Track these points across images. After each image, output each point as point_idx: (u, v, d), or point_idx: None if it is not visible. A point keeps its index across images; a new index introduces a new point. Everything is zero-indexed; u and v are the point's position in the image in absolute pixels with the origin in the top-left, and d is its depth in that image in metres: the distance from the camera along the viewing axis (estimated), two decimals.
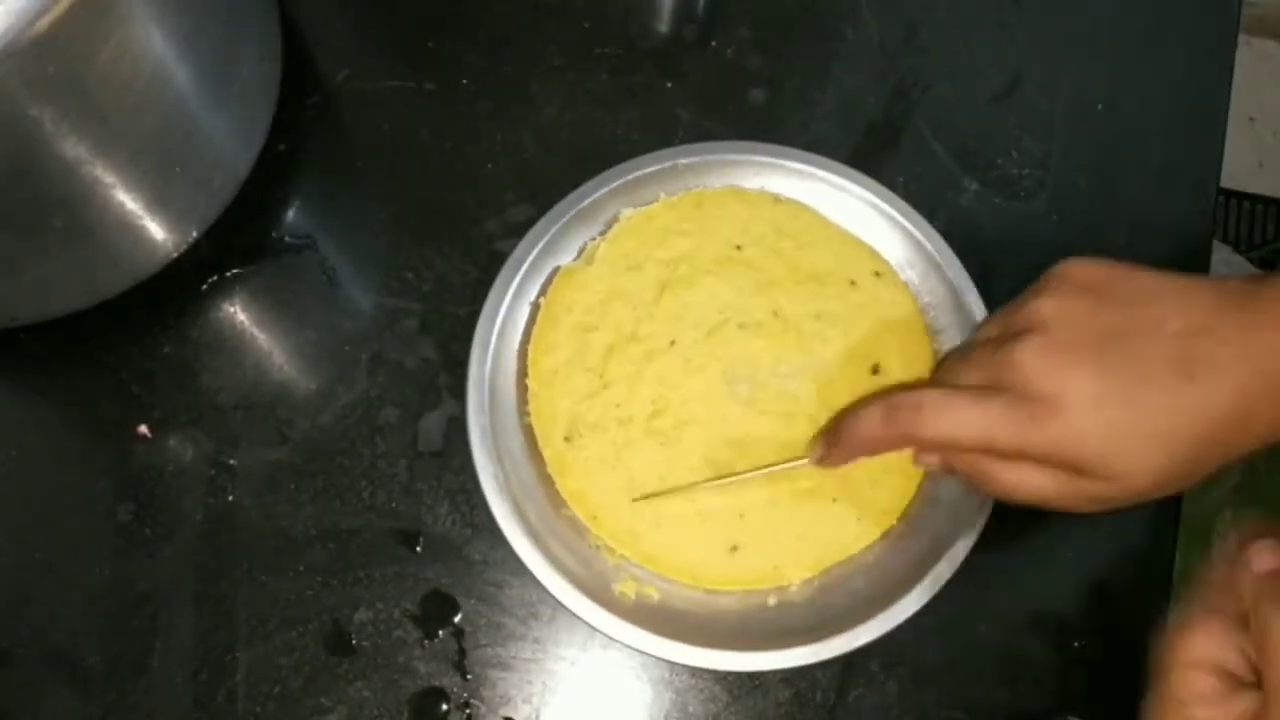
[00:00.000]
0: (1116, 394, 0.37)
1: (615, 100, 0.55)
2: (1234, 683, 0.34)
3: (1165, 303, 0.38)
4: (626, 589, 0.45)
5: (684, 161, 0.51)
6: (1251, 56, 1.48)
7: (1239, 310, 0.37)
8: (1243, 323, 0.37)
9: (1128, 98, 0.57)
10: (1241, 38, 0.59)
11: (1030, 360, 0.38)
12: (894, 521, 0.47)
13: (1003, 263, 0.53)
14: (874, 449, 0.43)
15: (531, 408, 0.48)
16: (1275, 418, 0.37)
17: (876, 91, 0.57)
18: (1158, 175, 0.56)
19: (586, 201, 0.50)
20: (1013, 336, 0.39)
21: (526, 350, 0.48)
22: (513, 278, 0.49)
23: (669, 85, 0.56)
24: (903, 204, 0.51)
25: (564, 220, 0.50)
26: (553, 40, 0.56)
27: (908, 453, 0.45)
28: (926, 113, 0.56)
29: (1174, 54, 0.58)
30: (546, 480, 0.47)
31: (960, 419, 0.39)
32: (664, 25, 0.58)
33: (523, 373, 0.48)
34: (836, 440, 0.44)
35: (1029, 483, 0.40)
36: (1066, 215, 0.55)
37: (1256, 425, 0.37)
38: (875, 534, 0.47)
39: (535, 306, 0.49)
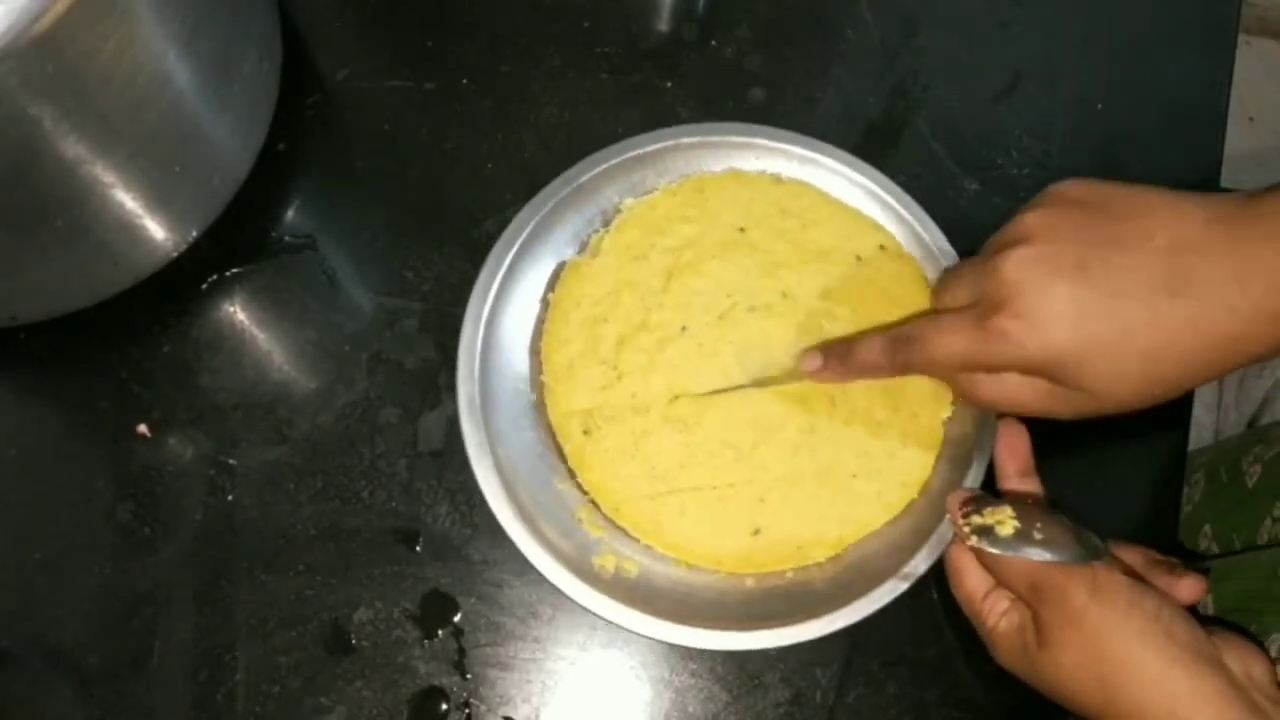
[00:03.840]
0: (1096, 307, 0.37)
1: (615, 100, 0.55)
2: (999, 590, 0.42)
3: (1155, 218, 0.38)
4: (606, 562, 0.45)
5: (686, 141, 0.51)
6: (1251, 56, 1.48)
7: (1229, 227, 0.37)
8: (1232, 240, 0.37)
9: (1128, 98, 0.57)
10: (1241, 38, 0.59)
11: (1012, 271, 0.39)
12: (915, 495, 0.47)
13: None
14: (873, 375, 0.46)
15: (547, 403, 0.48)
16: (1272, 338, 0.37)
17: (876, 91, 0.57)
18: (1158, 175, 0.55)
19: (584, 178, 0.50)
20: (998, 250, 0.40)
21: (539, 348, 0.49)
22: (505, 254, 0.49)
23: (669, 85, 0.56)
24: (900, 193, 0.51)
25: (556, 199, 0.50)
26: (553, 40, 0.56)
27: (926, 423, 0.47)
28: (926, 113, 0.56)
29: (1174, 54, 0.59)
30: (542, 455, 0.47)
31: (946, 344, 0.41)
32: (664, 25, 0.58)
33: (537, 370, 0.48)
34: (840, 361, 0.45)
35: (1011, 394, 0.41)
36: None
37: (1250, 345, 0.37)
38: (897, 509, 0.47)
39: (545, 303, 0.49)
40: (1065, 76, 0.57)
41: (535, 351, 0.49)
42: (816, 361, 0.46)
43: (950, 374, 0.43)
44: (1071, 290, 0.38)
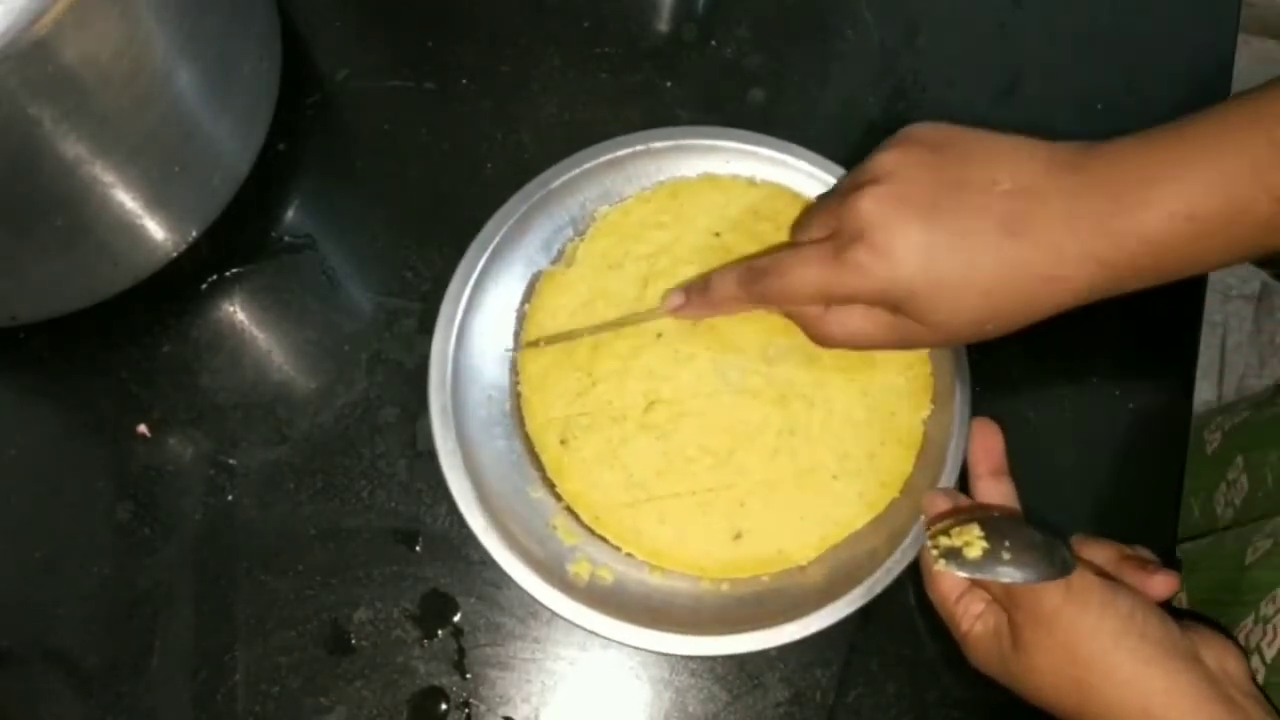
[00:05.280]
0: (943, 244, 0.39)
1: (615, 100, 0.55)
2: (973, 593, 0.44)
3: (1000, 163, 0.40)
4: (580, 570, 0.46)
5: (657, 146, 0.51)
6: (1251, 56, 1.48)
7: (1068, 174, 0.39)
8: (1069, 187, 0.39)
9: (1128, 98, 0.57)
10: (1241, 38, 0.59)
11: (868, 208, 0.40)
12: (896, 494, 0.47)
13: None
14: (732, 309, 0.46)
15: (524, 413, 0.48)
16: (1095, 279, 0.39)
17: (876, 91, 0.57)
18: None
19: (555, 184, 0.50)
20: (856, 187, 0.41)
21: (513, 358, 0.49)
22: (477, 261, 0.49)
23: (669, 85, 0.56)
24: None
25: (528, 205, 0.50)
26: (553, 40, 0.56)
27: (905, 422, 0.47)
28: (926, 113, 0.56)
29: (1174, 54, 0.58)
30: (517, 463, 0.47)
31: (802, 275, 0.42)
32: (664, 25, 0.58)
33: (511, 378, 0.49)
34: (700, 295, 0.46)
35: (854, 327, 0.43)
36: None
37: (1074, 284, 0.40)
38: (878, 509, 0.47)
39: (520, 312, 0.49)
40: (1065, 76, 0.57)
41: (509, 360, 0.49)
42: (679, 299, 0.47)
43: (799, 308, 0.44)
44: (923, 228, 0.39)
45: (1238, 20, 0.59)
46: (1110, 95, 0.57)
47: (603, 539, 0.47)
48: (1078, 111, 0.57)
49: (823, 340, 0.44)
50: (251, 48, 0.49)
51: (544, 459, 0.47)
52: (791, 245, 0.45)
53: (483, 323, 0.49)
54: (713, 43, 0.57)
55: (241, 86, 0.49)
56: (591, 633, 0.44)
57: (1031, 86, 0.57)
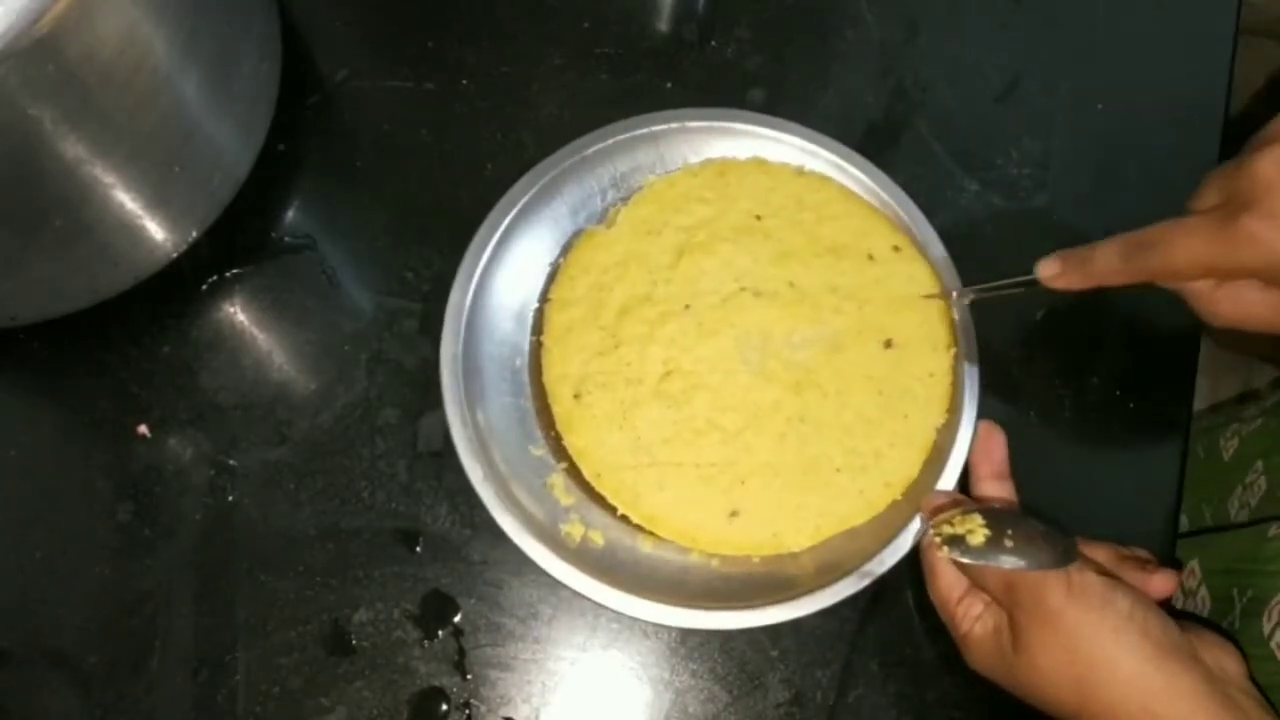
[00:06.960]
0: None
1: (615, 100, 0.55)
2: (974, 594, 0.43)
3: None
4: (573, 530, 0.46)
5: (692, 125, 0.52)
6: (1251, 57, 1.48)
7: None
8: None
9: (1128, 98, 0.57)
10: (1241, 38, 0.59)
11: (1265, 170, 0.36)
12: (898, 496, 0.47)
13: (1002, 263, 0.53)
14: (1110, 281, 0.42)
15: (543, 363, 0.48)
16: None
17: (876, 91, 0.57)
18: (1157, 175, 0.56)
19: (589, 151, 0.51)
20: (1256, 148, 0.37)
21: (534, 313, 0.49)
22: (504, 217, 0.49)
23: (669, 85, 0.56)
24: (904, 196, 0.51)
25: (558, 170, 0.50)
26: (553, 40, 0.56)
27: (918, 426, 0.47)
28: (926, 113, 0.56)
29: (1174, 54, 0.58)
30: (522, 420, 0.48)
31: (1187, 248, 0.38)
32: (664, 25, 0.58)
33: (525, 335, 0.49)
34: (1079, 267, 0.43)
35: (1250, 310, 0.39)
36: (1066, 215, 0.55)
37: None
38: (878, 508, 0.47)
39: (554, 267, 0.50)
40: (1065, 76, 0.57)
41: (526, 317, 0.49)
42: (1055, 267, 0.44)
43: (1188, 284, 0.40)
44: None
45: (1238, 20, 0.59)
46: (1110, 95, 0.57)
47: (599, 501, 0.47)
48: (1078, 111, 0.57)
49: (1212, 319, 0.40)
50: (251, 48, 0.49)
51: (555, 410, 0.47)
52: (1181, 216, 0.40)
53: (503, 279, 0.49)
54: (713, 43, 0.57)
55: (241, 86, 0.49)
56: (577, 593, 0.44)
57: (1031, 86, 0.57)
